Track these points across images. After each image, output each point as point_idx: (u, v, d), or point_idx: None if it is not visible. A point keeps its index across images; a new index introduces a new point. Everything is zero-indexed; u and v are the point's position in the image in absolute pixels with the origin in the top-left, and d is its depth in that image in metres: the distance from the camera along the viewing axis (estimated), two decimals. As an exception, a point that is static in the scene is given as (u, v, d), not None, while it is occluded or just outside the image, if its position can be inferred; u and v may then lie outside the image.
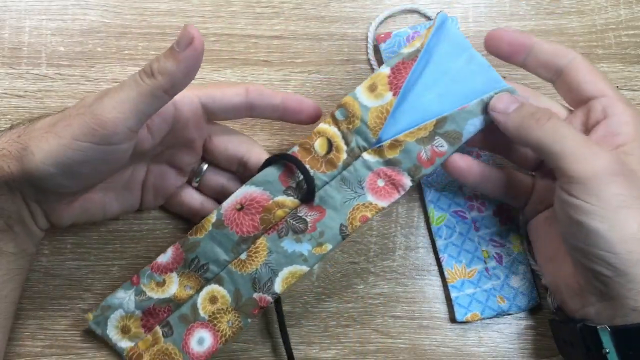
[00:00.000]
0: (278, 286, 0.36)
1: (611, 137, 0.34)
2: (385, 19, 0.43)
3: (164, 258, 0.37)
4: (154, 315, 0.37)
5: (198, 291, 0.37)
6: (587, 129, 0.35)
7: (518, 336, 0.41)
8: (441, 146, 0.35)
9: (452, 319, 0.41)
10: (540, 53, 0.36)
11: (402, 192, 0.36)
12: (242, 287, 0.36)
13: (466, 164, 0.37)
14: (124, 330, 0.37)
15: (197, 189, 0.39)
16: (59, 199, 0.34)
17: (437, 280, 0.41)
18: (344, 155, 0.36)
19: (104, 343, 0.39)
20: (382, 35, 0.42)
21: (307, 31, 0.43)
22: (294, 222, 0.36)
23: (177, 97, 0.33)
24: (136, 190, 0.38)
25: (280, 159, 0.36)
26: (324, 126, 0.36)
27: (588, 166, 0.31)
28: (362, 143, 0.36)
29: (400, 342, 0.41)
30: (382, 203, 0.36)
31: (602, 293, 0.32)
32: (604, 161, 0.31)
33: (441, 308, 0.41)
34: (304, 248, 0.36)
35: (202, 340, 0.37)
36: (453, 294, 0.40)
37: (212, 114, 0.36)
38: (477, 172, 0.37)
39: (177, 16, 0.43)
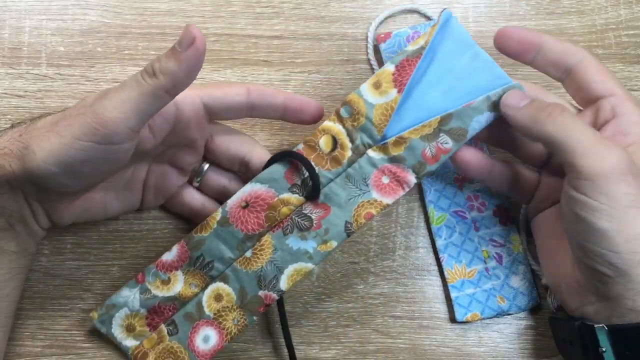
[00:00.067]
0: (283, 283, 0.36)
1: (621, 137, 0.34)
2: (385, 19, 0.43)
3: (169, 256, 0.37)
4: (159, 313, 0.37)
5: (203, 289, 0.37)
6: (596, 129, 0.35)
7: (518, 336, 0.41)
8: (446, 143, 0.35)
9: (452, 319, 0.41)
10: (549, 52, 0.36)
11: (407, 189, 0.36)
12: (248, 285, 0.37)
13: (473, 158, 0.37)
14: (129, 329, 0.38)
15: (198, 188, 0.39)
16: (60, 198, 0.35)
17: (437, 280, 0.42)
18: (349, 153, 0.36)
19: (105, 343, 0.39)
20: (382, 35, 0.42)
21: (307, 31, 0.43)
22: (299, 220, 0.36)
23: (179, 97, 0.33)
24: (137, 189, 0.38)
25: (286, 157, 0.36)
26: (329, 124, 0.36)
27: (599, 163, 0.31)
28: (367, 140, 0.36)
29: (400, 342, 0.41)
30: (387, 200, 0.36)
31: (601, 292, 0.33)
32: (616, 159, 0.31)
33: (441, 308, 0.41)
34: (309, 245, 0.36)
35: (207, 338, 0.37)
36: (453, 294, 0.41)
37: (213, 114, 0.37)
38: (484, 166, 0.37)
39: (177, 16, 0.43)
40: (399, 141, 0.36)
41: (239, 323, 0.37)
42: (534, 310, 0.41)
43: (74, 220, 0.36)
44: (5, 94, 0.41)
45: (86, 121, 0.31)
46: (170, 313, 0.37)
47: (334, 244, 0.36)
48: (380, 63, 0.43)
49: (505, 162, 0.39)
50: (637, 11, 0.44)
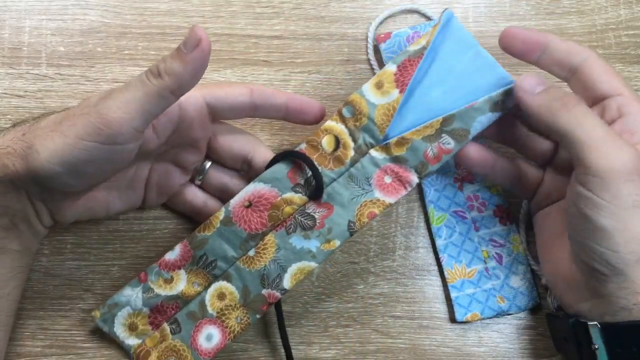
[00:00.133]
0: (287, 282, 0.37)
1: (628, 136, 0.34)
2: (385, 19, 0.44)
3: (171, 255, 0.38)
4: (161, 312, 0.38)
5: (206, 288, 0.37)
6: None
7: (518, 336, 0.42)
8: (448, 144, 0.36)
9: (452, 319, 0.41)
10: (554, 51, 0.36)
11: (409, 189, 0.37)
12: (251, 284, 0.37)
13: (476, 153, 0.37)
14: (132, 328, 0.38)
15: (200, 186, 0.40)
16: (63, 197, 0.35)
17: (437, 280, 0.42)
18: (352, 152, 0.36)
19: (105, 343, 0.40)
20: (382, 35, 0.43)
21: (307, 31, 0.44)
22: (302, 219, 0.37)
23: (182, 97, 0.33)
24: (139, 188, 0.38)
25: (289, 156, 0.36)
26: (331, 123, 0.37)
27: (608, 160, 0.31)
28: (369, 140, 0.36)
29: (400, 342, 0.41)
30: (390, 199, 0.36)
31: (595, 290, 0.33)
32: (626, 157, 0.31)
33: (441, 308, 0.42)
34: (313, 244, 0.37)
35: (210, 336, 0.37)
36: (453, 294, 0.41)
37: (216, 114, 0.37)
38: (487, 161, 0.38)
39: (177, 16, 0.43)
40: (401, 142, 0.36)
41: (242, 321, 0.37)
42: (534, 310, 0.42)
43: (77, 219, 0.37)
44: (5, 94, 0.42)
45: (90, 121, 0.31)
46: (173, 312, 0.38)
47: (337, 243, 0.37)
48: (380, 63, 0.43)
49: (508, 158, 0.39)
50: (637, 11, 0.45)
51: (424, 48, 0.36)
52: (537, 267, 0.41)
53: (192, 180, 0.40)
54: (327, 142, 0.37)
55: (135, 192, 0.38)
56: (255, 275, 0.37)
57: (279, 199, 0.37)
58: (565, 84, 0.37)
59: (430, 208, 0.42)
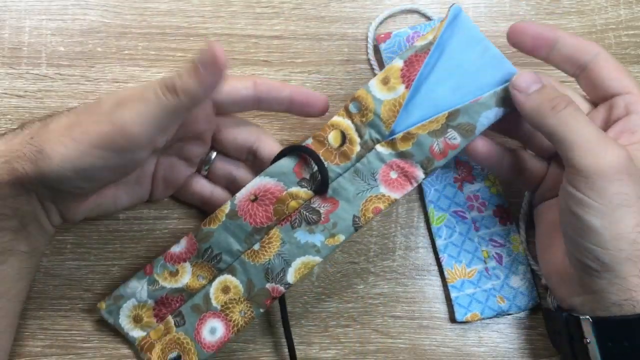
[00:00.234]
0: (291, 276, 0.37)
1: (628, 134, 0.35)
2: (385, 19, 0.44)
3: (177, 248, 0.38)
4: (166, 304, 0.39)
5: (211, 281, 0.38)
6: (609, 126, 0.36)
7: (518, 336, 0.42)
8: (454, 139, 0.36)
9: (452, 319, 0.42)
10: (564, 47, 0.37)
11: (415, 184, 0.37)
12: (255, 278, 0.38)
13: (481, 146, 0.38)
14: (136, 320, 0.39)
15: (207, 177, 0.41)
16: (73, 198, 0.36)
17: (437, 280, 0.42)
18: (358, 148, 0.37)
19: (105, 343, 0.40)
20: (382, 36, 0.43)
21: (307, 31, 0.44)
22: (307, 213, 0.37)
23: None
24: (146, 182, 0.39)
25: (295, 151, 0.37)
26: (338, 119, 0.37)
27: (595, 161, 0.32)
28: (375, 135, 0.37)
29: (400, 342, 0.42)
30: (395, 195, 0.37)
31: (587, 285, 0.34)
32: (613, 157, 0.32)
33: (441, 308, 0.42)
34: (317, 239, 0.37)
35: (214, 330, 0.38)
36: (453, 294, 0.41)
37: (220, 107, 0.38)
38: (492, 153, 0.38)
39: (177, 16, 0.44)
40: (407, 137, 0.37)
41: (246, 315, 0.38)
42: (534, 310, 0.42)
43: (86, 216, 0.38)
44: (5, 94, 0.42)
45: (104, 131, 0.32)
46: (177, 304, 0.38)
47: (341, 237, 0.37)
48: (380, 63, 0.44)
49: (513, 150, 0.40)
50: (637, 11, 0.45)
51: (430, 43, 0.36)
52: (537, 267, 0.41)
53: (198, 171, 0.41)
54: (333, 138, 0.37)
55: (143, 186, 0.39)
56: (259, 269, 0.38)
57: (284, 193, 0.37)
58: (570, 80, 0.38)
59: (430, 208, 0.42)
